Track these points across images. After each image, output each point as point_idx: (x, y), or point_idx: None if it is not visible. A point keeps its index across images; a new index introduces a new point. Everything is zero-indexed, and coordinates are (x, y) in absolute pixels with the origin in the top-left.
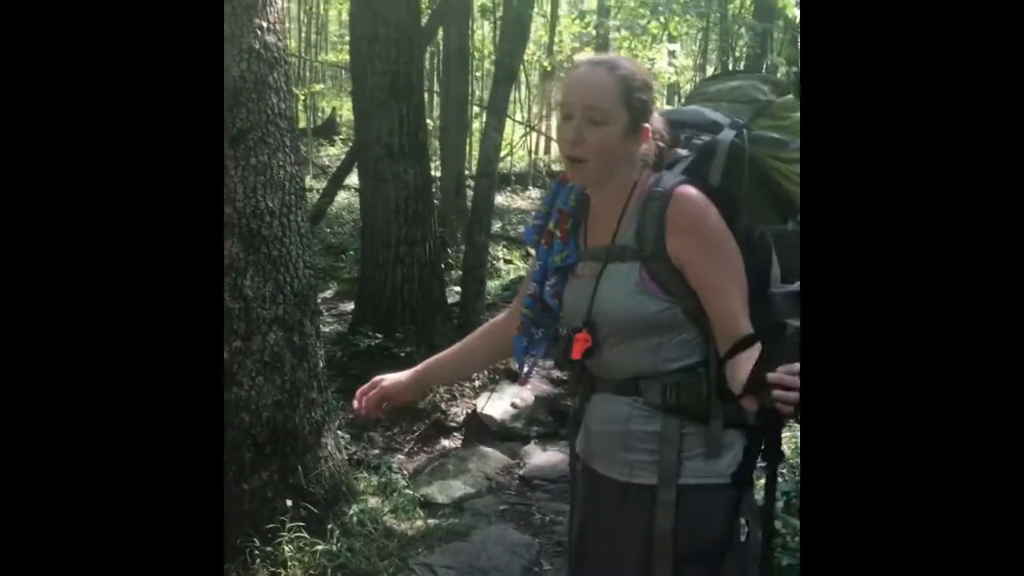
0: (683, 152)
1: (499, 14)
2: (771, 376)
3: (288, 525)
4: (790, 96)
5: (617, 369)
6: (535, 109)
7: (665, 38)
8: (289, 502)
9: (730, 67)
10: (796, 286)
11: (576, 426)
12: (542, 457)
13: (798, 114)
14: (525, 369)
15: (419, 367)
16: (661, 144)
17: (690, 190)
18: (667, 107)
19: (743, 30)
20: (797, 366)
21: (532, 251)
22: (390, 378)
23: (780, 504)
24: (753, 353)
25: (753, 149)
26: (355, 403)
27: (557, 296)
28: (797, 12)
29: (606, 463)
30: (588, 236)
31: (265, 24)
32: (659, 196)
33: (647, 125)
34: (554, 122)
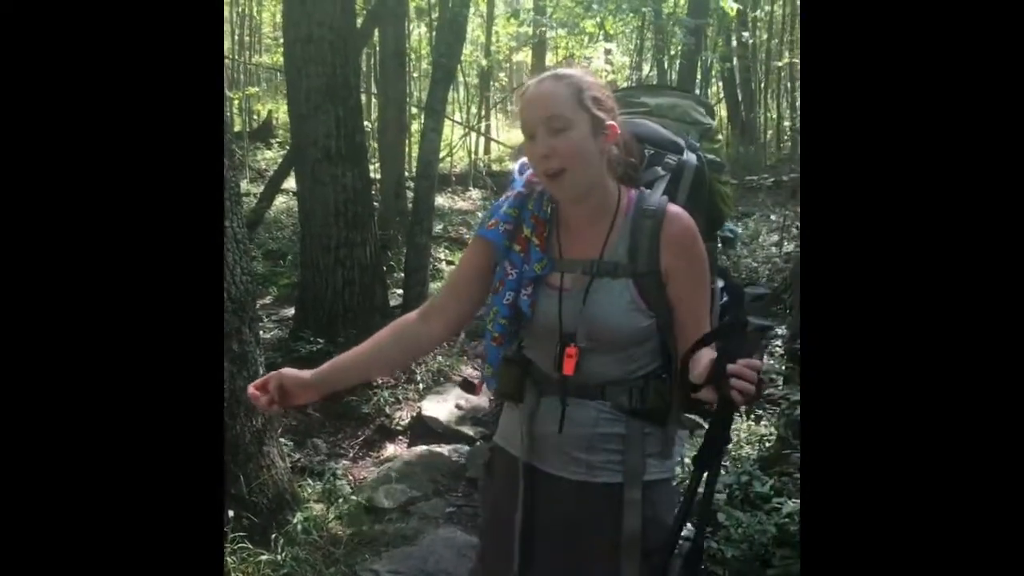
0: (660, 171)
1: (435, 15)
2: (731, 367)
3: (231, 536)
4: (715, 121)
5: (590, 376)
6: (474, 109)
7: (601, 37)
8: (231, 512)
9: (665, 65)
10: (761, 290)
11: (511, 428)
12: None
13: (720, 136)
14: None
15: (323, 367)
16: (632, 158)
17: (681, 210)
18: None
19: (677, 28)
20: (757, 362)
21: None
22: (289, 372)
23: (723, 496)
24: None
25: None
26: (250, 393)
27: (533, 305)
28: (733, 5)
29: (560, 464)
30: (563, 247)
31: None
32: (652, 215)
33: (612, 123)
34: (494, 122)
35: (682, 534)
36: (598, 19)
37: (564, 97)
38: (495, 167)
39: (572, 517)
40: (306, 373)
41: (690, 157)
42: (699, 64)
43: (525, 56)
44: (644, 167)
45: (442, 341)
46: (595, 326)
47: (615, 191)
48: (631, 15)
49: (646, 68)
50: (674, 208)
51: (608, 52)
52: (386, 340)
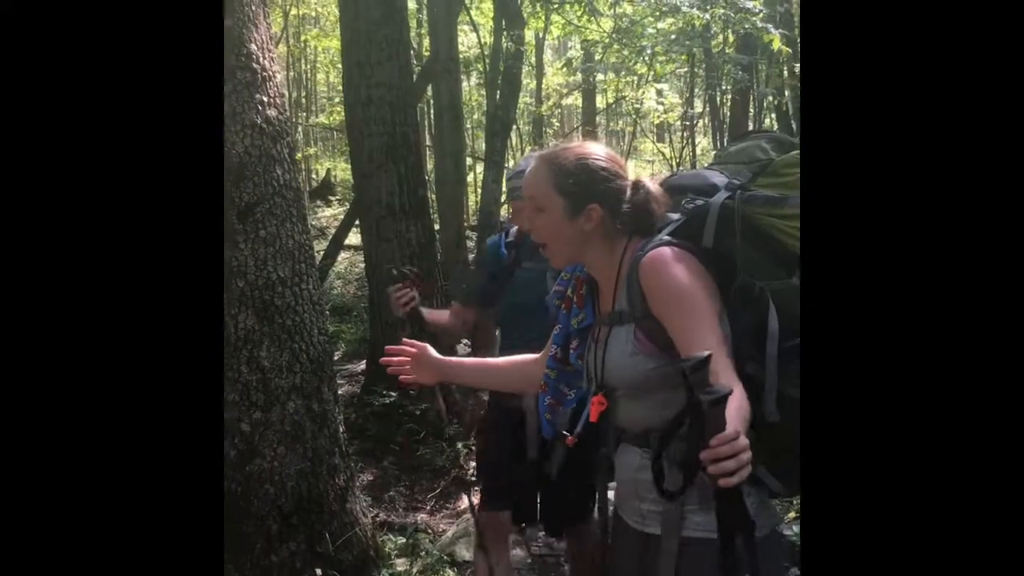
0: (674, 216)
1: (480, 66)
2: (703, 455)
3: None
4: (794, 153)
5: (633, 422)
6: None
7: (651, 78)
8: (319, 571)
9: (718, 101)
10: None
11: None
12: None
13: (798, 169)
14: (546, 426)
15: (451, 358)
16: (656, 209)
17: (657, 251)
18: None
19: (727, 66)
20: (729, 432)
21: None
22: (430, 348)
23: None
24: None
25: (748, 209)
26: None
27: (581, 358)
28: (782, 47)
29: (627, 510)
30: (600, 303)
31: (266, 99)
32: (636, 260)
33: (593, 206)
34: None
35: None
36: (646, 58)
37: (542, 181)
38: None
39: (630, 565)
40: (436, 355)
41: (718, 197)
42: (751, 98)
43: (575, 100)
44: (671, 215)
45: None
46: (611, 373)
47: (619, 248)
48: (683, 56)
49: (698, 104)
50: (651, 252)
51: (660, 93)
52: (510, 367)
